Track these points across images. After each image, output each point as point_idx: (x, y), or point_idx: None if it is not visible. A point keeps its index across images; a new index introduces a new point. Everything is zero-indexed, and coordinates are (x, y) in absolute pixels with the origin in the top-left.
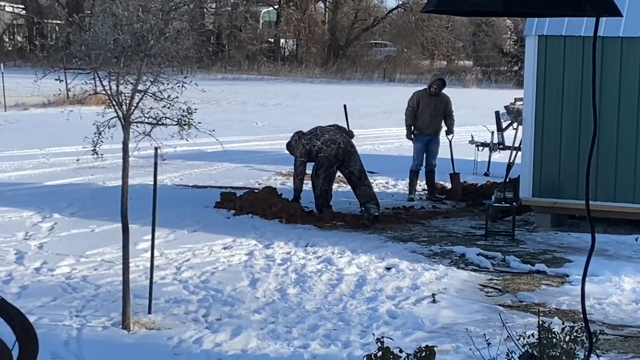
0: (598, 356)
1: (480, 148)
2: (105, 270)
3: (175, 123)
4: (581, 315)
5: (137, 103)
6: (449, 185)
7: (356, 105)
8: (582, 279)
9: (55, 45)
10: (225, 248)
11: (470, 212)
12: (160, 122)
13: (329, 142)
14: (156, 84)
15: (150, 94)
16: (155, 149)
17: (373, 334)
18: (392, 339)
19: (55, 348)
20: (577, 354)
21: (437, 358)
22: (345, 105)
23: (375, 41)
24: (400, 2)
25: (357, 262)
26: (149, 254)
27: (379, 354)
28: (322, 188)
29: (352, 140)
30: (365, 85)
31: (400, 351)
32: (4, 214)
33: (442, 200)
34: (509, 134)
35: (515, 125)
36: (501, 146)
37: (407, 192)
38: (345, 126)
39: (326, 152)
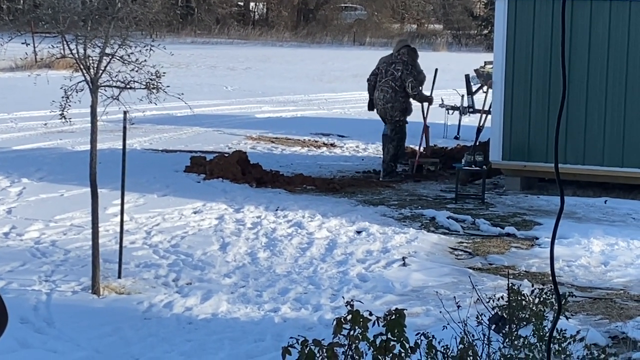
0: (567, 318)
1: (451, 111)
2: (74, 235)
3: (144, 87)
4: (550, 278)
5: (105, 67)
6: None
7: (326, 69)
8: (551, 241)
9: (22, 8)
10: (195, 212)
11: (441, 175)
12: (128, 86)
13: None
14: (124, 47)
15: (118, 58)
16: (124, 112)
17: (343, 298)
18: (362, 302)
19: (24, 313)
20: (547, 316)
21: (407, 321)
22: None
23: (345, 4)
24: None
25: (327, 225)
26: (118, 219)
27: (349, 317)
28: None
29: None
30: (335, 49)
31: (370, 314)
32: None
33: None
34: (479, 98)
35: (485, 88)
36: (471, 109)
37: (379, 155)
38: None
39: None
